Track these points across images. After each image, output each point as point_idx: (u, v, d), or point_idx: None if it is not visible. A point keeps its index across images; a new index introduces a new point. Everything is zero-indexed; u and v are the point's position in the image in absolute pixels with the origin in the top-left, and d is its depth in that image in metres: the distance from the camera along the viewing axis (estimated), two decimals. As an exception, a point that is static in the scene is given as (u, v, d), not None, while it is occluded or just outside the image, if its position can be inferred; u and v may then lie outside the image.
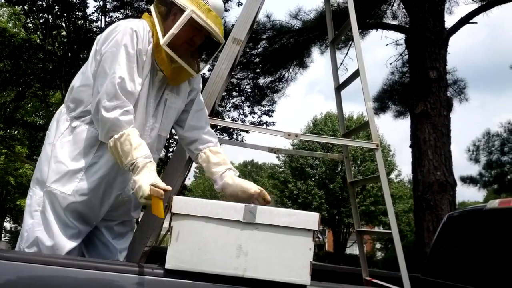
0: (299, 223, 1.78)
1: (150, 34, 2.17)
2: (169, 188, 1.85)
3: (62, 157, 2.14)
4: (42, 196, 2.14)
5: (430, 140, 6.90)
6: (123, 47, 2.07)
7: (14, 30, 16.82)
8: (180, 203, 1.74)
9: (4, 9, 17.54)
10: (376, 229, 28.01)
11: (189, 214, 1.73)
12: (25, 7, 12.85)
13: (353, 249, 34.36)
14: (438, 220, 6.35)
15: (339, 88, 3.36)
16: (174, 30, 2.08)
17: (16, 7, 14.22)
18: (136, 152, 1.96)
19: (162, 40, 2.09)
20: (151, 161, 1.98)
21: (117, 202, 2.26)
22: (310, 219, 1.79)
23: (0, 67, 14.17)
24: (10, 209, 24.82)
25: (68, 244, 2.08)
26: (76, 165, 2.13)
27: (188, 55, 2.22)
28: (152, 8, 2.20)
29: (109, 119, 2.00)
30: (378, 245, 37.04)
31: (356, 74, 2.94)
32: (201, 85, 2.51)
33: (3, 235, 27.02)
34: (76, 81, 2.25)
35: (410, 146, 7.32)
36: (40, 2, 12.49)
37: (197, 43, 2.22)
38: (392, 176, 30.95)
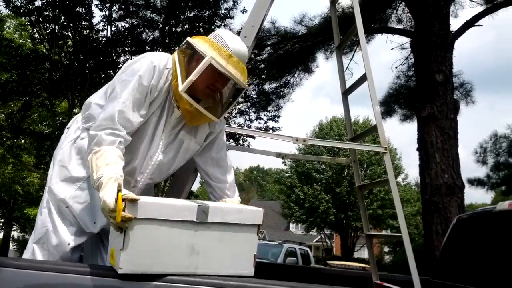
0: (246, 219, 1.86)
1: (170, 73, 2.14)
2: (138, 198, 1.72)
3: (67, 163, 2.22)
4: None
5: (438, 143, 6.89)
6: (138, 77, 2.06)
7: (21, 40, 17.00)
8: (134, 206, 1.68)
9: (10, 20, 17.67)
10: (384, 232, 27.90)
11: (143, 217, 1.69)
12: (31, 18, 12.97)
13: (361, 253, 34.26)
14: (446, 223, 6.33)
15: (345, 92, 3.37)
16: (193, 76, 2.03)
17: (23, 18, 14.35)
18: (106, 168, 1.88)
19: (181, 87, 2.04)
20: (118, 178, 1.86)
21: None
22: (256, 214, 1.89)
23: (7, 77, 14.30)
24: (18, 218, 24.95)
25: (71, 241, 2.11)
26: (78, 173, 2.19)
27: (210, 99, 2.18)
28: (176, 53, 2.16)
29: (95, 135, 1.99)
30: (386, 249, 36.90)
31: (363, 79, 2.94)
32: (224, 126, 2.43)
33: (11, 244, 27.11)
34: (94, 98, 2.30)
35: (418, 149, 7.29)
36: (46, 13, 12.61)
37: (219, 88, 2.18)
38: (399, 179, 30.91)
